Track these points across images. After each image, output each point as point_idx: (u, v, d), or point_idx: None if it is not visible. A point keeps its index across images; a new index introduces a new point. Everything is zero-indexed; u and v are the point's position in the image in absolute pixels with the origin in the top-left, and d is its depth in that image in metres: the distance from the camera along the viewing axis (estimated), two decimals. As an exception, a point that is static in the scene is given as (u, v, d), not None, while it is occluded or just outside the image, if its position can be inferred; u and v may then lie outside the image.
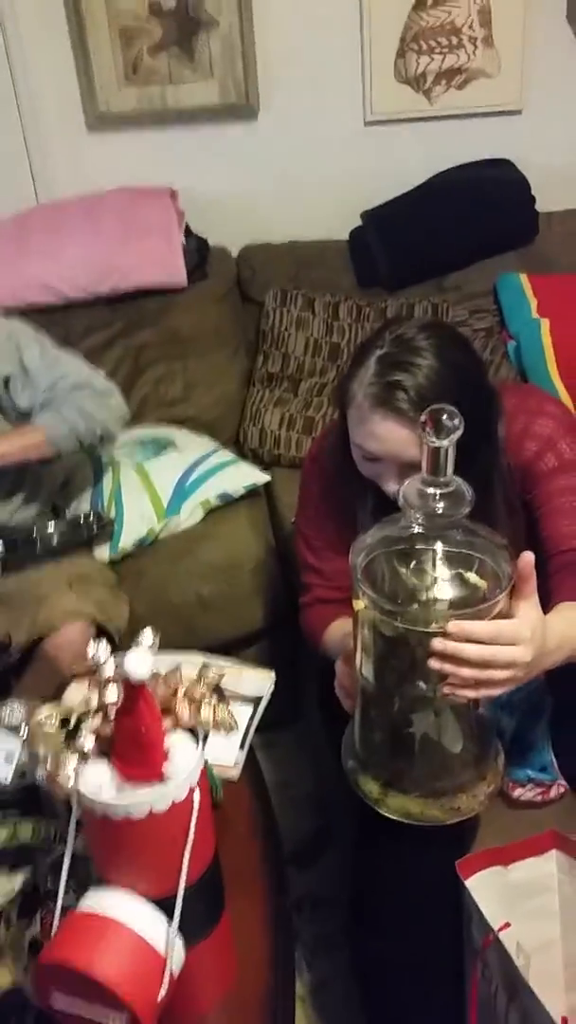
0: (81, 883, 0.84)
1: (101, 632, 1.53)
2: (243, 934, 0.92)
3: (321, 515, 1.27)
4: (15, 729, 1.13)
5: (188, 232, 2.11)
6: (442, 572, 0.89)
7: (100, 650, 0.80)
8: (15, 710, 1.15)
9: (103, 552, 1.71)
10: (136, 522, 1.74)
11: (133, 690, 0.74)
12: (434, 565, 0.89)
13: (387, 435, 1.03)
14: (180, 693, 0.80)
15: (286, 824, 1.24)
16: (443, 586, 0.88)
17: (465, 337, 1.13)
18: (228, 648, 1.68)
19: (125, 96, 2.12)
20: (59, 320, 2.01)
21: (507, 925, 0.93)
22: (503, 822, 1.10)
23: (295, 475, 1.37)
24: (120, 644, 1.46)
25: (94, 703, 0.80)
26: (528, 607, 0.87)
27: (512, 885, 1.01)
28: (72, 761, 0.77)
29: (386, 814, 0.95)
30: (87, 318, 2.06)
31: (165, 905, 0.77)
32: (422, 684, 0.89)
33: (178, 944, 0.77)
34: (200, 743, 0.79)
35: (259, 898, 0.99)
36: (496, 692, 0.86)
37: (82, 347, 1.99)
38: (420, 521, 0.88)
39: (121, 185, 2.12)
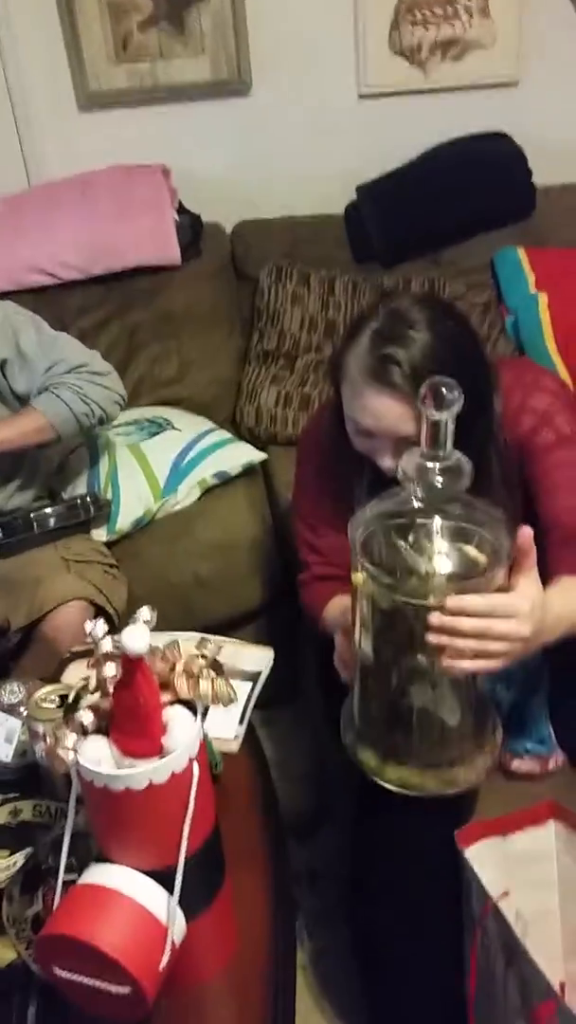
0: (82, 860, 0.84)
1: (99, 613, 1.53)
2: (244, 905, 0.93)
3: (317, 492, 1.27)
4: (15, 709, 1.14)
5: (181, 209, 2.10)
6: (441, 546, 0.89)
7: (98, 627, 0.80)
8: (15, 690, 1.16)
9: (100, 533, 1.71)
10: (133, 503, 1.74)
11: (131, 664, 0.74)
12: (433, 539, 0.89)
13: (381, 410, 1.03)
14: (178, 667, 0.80)
15: (285, 800, 1.25)
16: (441, 559, 0.88)
17: (460, 310, 1.12)
18: (226, 627, 1.69)
19: (115, 73, 2.09)
20: (52, 301, 2.00)
21: (506, 894, 0.94)
22: (501, 794, 1.11)
23: (292, 453, 1.37)
24: (118, 625, 1.46)
25: (93, 680, 0.80)
26: (527, 582, 0.87)
27: (511, 855, 1.02)
28: (71, 736, 0.77)
29: (384, 784, 0.96)
30: (80, 298, 2.05)
31: (166, 877, 0.77)
32: (420, 657, 0.90)
33: (179, 914, 0.78)
34: (199, 716, 0.80)
35: (260, 869, 1.00)
36: (494, 665, 0.87)
37: (76, 328, 1.98)
38: (419, 495, 0.88)
39: (113, 164, 2.10)
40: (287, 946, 0.96)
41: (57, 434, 1.58)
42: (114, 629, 0.78)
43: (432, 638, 0.84)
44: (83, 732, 0.78)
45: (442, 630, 0.83)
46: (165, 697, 0.80)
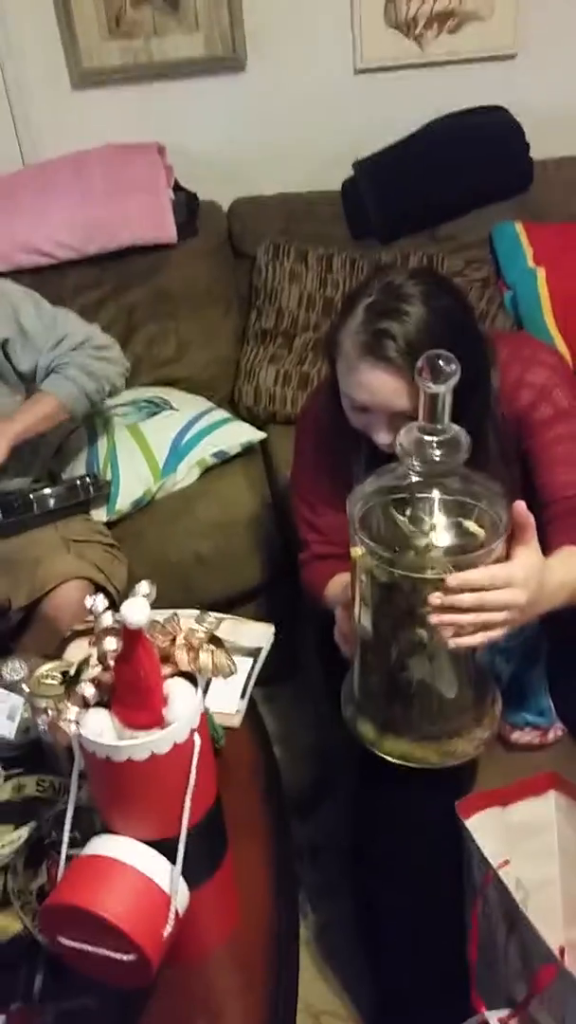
0: (85, 833, 0.85)
1: (99, 593, 1.53)
2: (247, 877, 0.94)
3: (316, 471, 1.27)
4: (17, 686, 1.15)
5: (177, 187, 2.08)
6: (438, 519, 0.89)
7: (98, 601, 0.81)
8: (17, 668, 1.16)
9: (100, 514, 1.71)
10: (132, 483, 1.74)
11: (132, 637, 0.74)
12: (431, 512, 0.89)
13: (376, 385, 1.03)
14: (179, 640, 0.81)
15: (287, 776, 1.26)
16: (439, 533, 0.89)
17: (454, 283, 1.12)
18: (227, 606, 1.69)
19: (109, 50, 2.07)
20: (48, 281, 1.99)
21: (506, 863, 0.95)
22: (502, 765, 1.11)
23: (291, 432, 1.37)
24: (118, 605, 1.47)
25: (94, 656, 0.81)
26: (527, 552, 0.87)
27: (511, 825, 1.03)
28: (74, 709, 0.78)
29: (383, 757, 0.96)
30: (76, 278, 2.04)
31: (169, 847, 0.78)
32: (418, 630, 0.90)
33: (182, 883, 0.79)
34: (200, 688, 0.80)
35: (262, 841, 1.01)
36: (496, 635, 0.87)
37: (73, 308, 1.96)
38: (417, 469, 0.88)
39: (107, 142, 2.09)
40: (290, 918, 0.97)
41: (70, 414, 1.60)
42: (114, 609, 0.78)
43: (434, 618, 0.84)
44: (85, 705, 0.79)
45: (443, 608, 0.84)
46: (166, 670, 0.80)
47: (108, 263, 2.04)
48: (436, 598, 0.83)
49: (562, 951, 0.96)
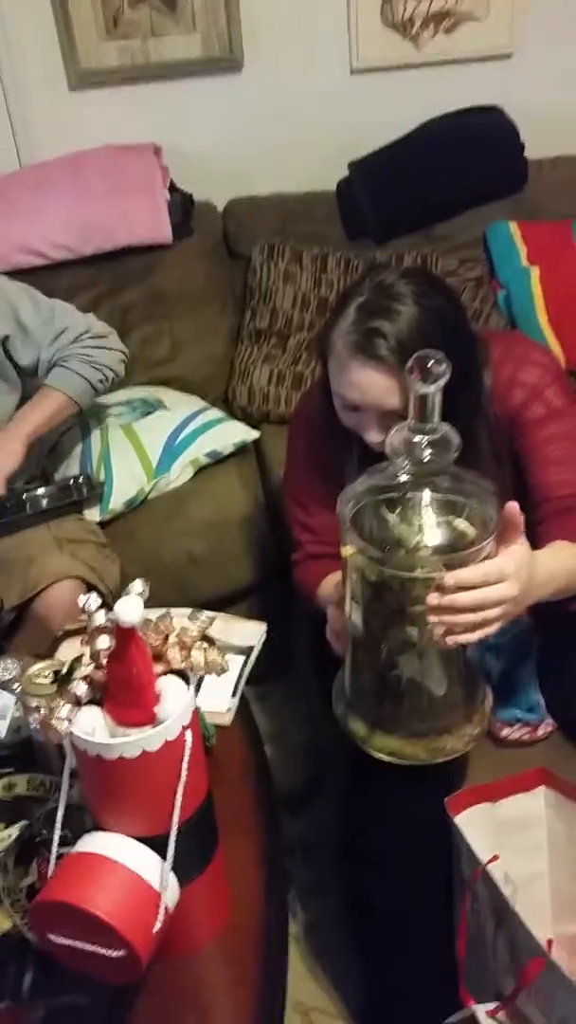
0: (76, 832, 0.86)
1: (92, 592, 1.54)
2: (237, 874, 0.94)
3: (309, 471, 1.28)
4: (8, 686, 1.15)
5: (173, 188, 2.08)
6: (429, 518, 0.90)
7: (91, 600, 0.81)
8: (8, 667, 1.17)
9: (93, 514, 1.72)
10: (126, 483, 1.74)
11: (124, 635, 0.75)
12: (421, 512, 0.90)
13: (367, 383, 1.03)
14: (171, 638, 0.81)
15: (278, 774, 1.26)
16: (429, 532, 0.89)
17: (445, 282, 1.12)
18: (220, 605, 1.69)
19: (106, 51, 2.07)
20: (44, 281, 1.98)
21: (496, 857, 0.95)
22: (492, 761, 1.12)
23: (284, 431, 1.37)
24: (111, 605, 1.47)
25: (87, 654, 0.81)
26: (515, 546, 0.88)
27: (501, 820, 1.03)
28: (66, 706, 0.78)
29: (373, 754, 0.97)
30: (71, 278, 2.04)
31: (160, 844, 0.79)
32: (408, 628, 0.91)
33: (172, 879, 0.79)
34: (191, 686, 0.81)
35: (253, 838, 1.01)
36: (493, 630, 0.88)
37: (68, 307, 1.97)
38: (407, 468, 0.88)
39: (104, 143, 2.09)
40: (280, 915, 0.97)
41: (78, 406, 1.63)
42: (107, 608, 0.78)
43: (433, 618, 0.85)
44: (77, 703, 0.79)
45: (441, 609, 0.84)
46: (158, 668, 0.81)
47: (103, 263, 2.04)
48: (434, 598, 0.84)
49: (549, 944, 0.97)
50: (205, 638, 0.83)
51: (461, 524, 0.89)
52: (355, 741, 0.98)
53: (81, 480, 1.68)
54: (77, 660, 0.83)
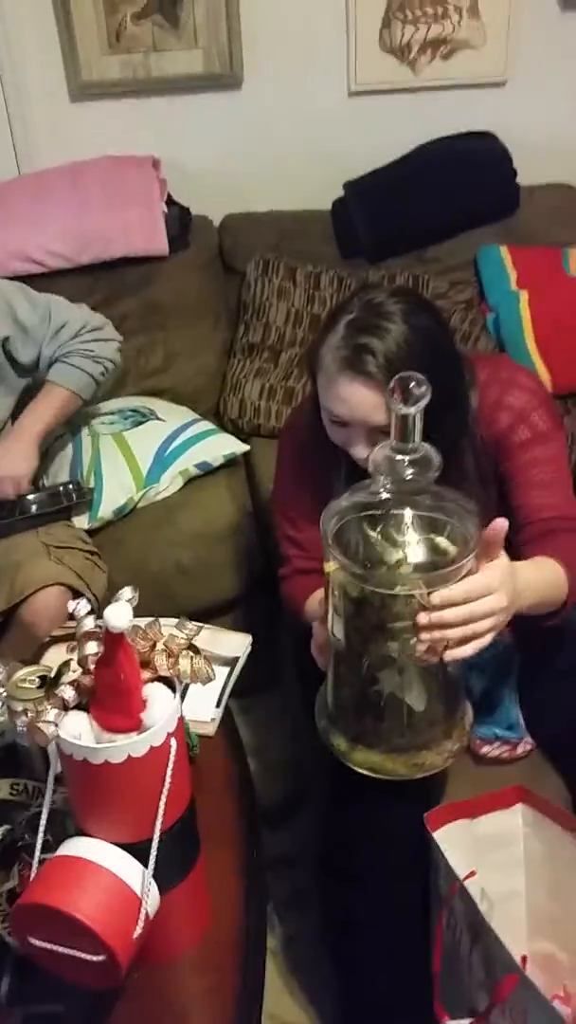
0: (58, 837, 0.86)
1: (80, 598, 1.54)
2: (218, 883, 0.95)
3: (297, 485, 1.29)
4: (-7, 690, 1.15)
5: (170, 201, 2.11)
6: (410, 536, 0.91)
7: (80, 605, 0.82)
8: (-7, 672, 1.17)
9: (82, 521, 1.72)
10: (115, 491, 1.75)
11: (113, 641, 0.76)
12: (402, 529, 0.91)
13: (355, 399, 1.04)
14: (159, 645, 0.82)
15: (260, 787, 1.27)
16: (411, 550, 0.90)
17: (434, 304, 1.15)
18: (206, 616, 1.70)
19: (108, 64, 2.09)
20: (40, 289, 1.98)
21: (472, 874, 0.96)
22: (471, 777, 1.13)
23: (274, 445, 1.38)
24: (98, 612, 1.48)
25: (74, 660, 0.82)
26: (495, 561, 0.89)
27: (479, 837, 1.04)
28: (53, 711, 0.79)
29: (354, 768, 0.98)
30: (67, 287, 2.03)
31: (142, 850, 0.79)
32: (389, 644, 0.92)
33: (153, 886, 0.80)
34: (178, 693, 0.82)
35: (233, 850, 1.02)
36: (486, 642, 0.88)
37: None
38: (389, 487, 0.90)
39: (103, 154, 2.11)
40: (259, 926, 0.98)
41: (82, 400, 1.68)
42: (94, 615, 0.79)
43: (424, 636, 0.86)
44: (64, 707, 0.80)
45: (431, 627, 0.85)
46: (145, 675, 0.82)
47: (99, 273, 2.06)
48: (423, 617, 0.85)
49: (524, 961, 0.98)
50: (191, 647, 0.85)
51: (442, 542, 0.90)
52: (336, 755, 0.99)
53: (71, 486, 1.69)
54: (65, 665, 0.83)
